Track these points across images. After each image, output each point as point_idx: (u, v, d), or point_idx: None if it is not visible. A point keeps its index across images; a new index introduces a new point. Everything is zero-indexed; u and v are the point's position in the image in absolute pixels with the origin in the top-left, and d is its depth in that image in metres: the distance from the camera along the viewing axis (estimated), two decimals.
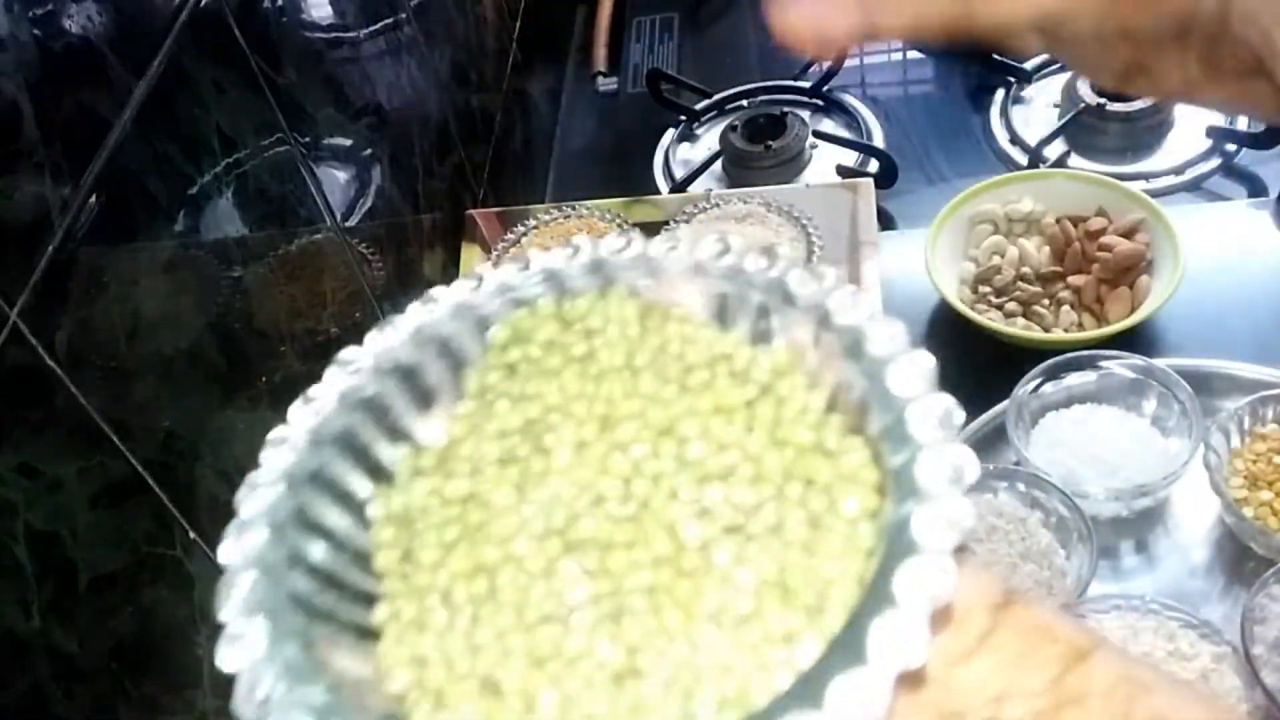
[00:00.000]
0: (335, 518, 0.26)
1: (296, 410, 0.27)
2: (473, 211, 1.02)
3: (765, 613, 0.23)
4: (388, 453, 0.28)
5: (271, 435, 0.27)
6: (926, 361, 0.24)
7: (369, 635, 0.25)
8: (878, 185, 1.00)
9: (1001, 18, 0.42)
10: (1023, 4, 0.42)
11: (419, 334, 0.29)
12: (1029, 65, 1.15)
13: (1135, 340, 0.83)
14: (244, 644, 0.22)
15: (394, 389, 0.28)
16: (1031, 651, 0.25)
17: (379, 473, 0.28)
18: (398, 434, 0.28)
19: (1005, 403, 0.78)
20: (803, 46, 0.43)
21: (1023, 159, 1.06)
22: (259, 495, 0.25)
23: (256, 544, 0.24)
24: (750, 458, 0.25)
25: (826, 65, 1.20)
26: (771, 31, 0.43)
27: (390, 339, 0.29)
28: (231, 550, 0.24)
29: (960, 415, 0.23)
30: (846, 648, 0.20)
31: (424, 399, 0.29)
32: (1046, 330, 0.86)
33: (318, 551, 0.25)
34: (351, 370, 0.28)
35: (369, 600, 0.26)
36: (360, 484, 0.27)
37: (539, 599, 0.24)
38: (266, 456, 0.26)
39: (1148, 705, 0.26)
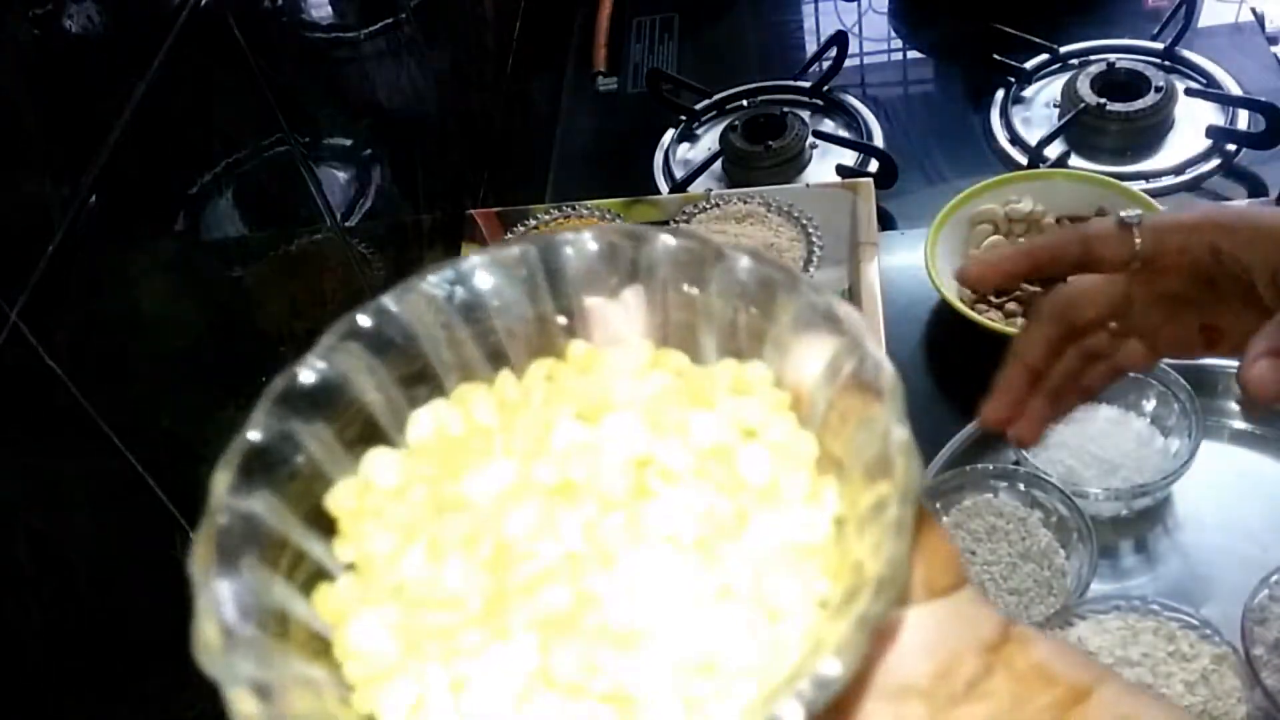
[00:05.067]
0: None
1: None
2: (473, 211, 1.02)
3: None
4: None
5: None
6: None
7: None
8: (878, 185, 1.00)
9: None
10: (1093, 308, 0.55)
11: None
12: (1029, 65, 1.15)
13: None
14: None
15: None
16: (1026, 697, 0.24)
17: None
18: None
19: None
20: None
21: (1023, 159, 1.06)
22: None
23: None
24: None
25: (827, 65, 1.21)
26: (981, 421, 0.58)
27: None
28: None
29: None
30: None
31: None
32: None
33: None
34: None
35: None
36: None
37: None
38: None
39: None
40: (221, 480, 0.25)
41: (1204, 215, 0.52)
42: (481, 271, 0.28)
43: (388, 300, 0.28)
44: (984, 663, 0.24)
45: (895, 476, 0.22)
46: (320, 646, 0.25)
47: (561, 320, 0.29)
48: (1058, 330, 0.56)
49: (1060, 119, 1.08)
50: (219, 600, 0.23)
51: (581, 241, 0.28)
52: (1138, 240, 0.52)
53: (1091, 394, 0.59)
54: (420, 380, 0.28)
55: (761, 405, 0.26)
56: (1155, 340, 0.56)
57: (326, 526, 0.26)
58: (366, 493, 0.27)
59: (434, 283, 0.28)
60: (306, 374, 0.27)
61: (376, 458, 0.27)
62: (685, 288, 0.28)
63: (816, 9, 1.37)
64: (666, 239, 0.28)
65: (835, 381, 0.25)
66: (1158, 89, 1.05)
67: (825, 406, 0.25)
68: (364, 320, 0.28)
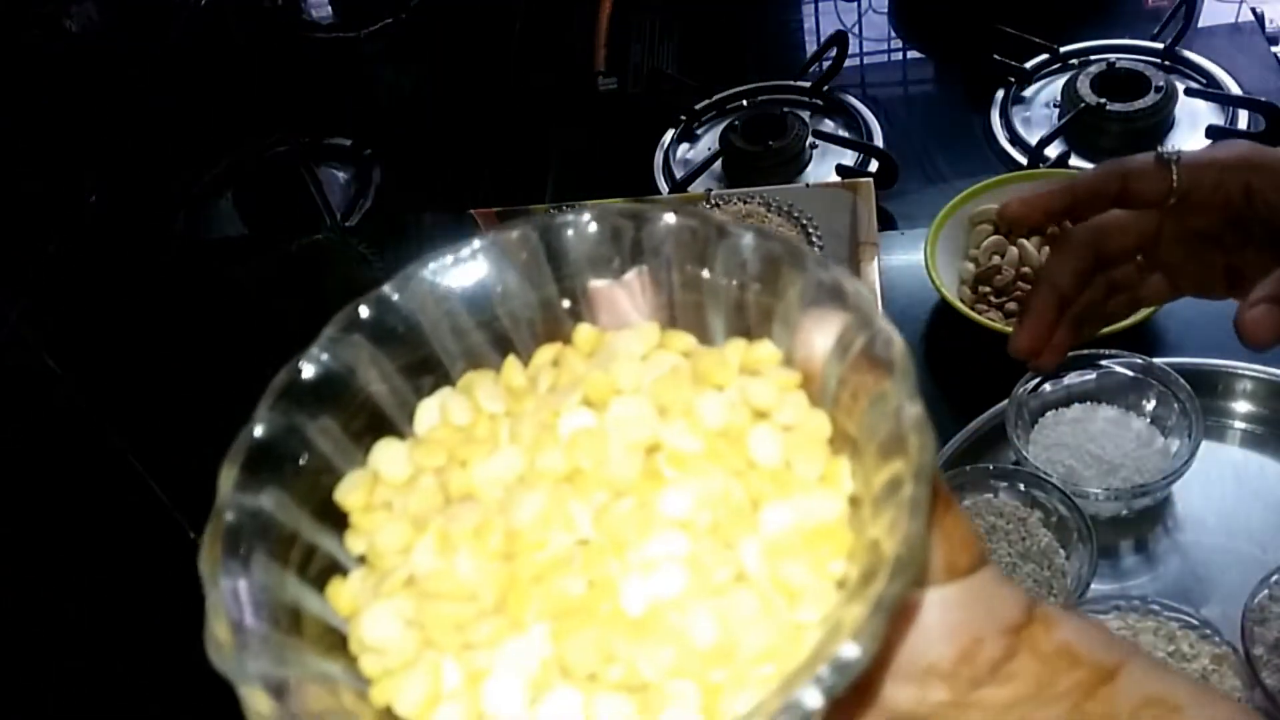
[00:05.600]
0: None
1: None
2: (473, 211, 1.02)
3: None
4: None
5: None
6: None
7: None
8: (878, 185, 1.00)
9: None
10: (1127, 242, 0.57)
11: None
12: (1029, 65, 1.15)
13: (1135, 340, 0.83)
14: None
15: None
16: (1050, 679, 0.24)
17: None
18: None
19: (1005, 402, 0.77)
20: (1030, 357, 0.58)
21: (1023, 159, 1.06)
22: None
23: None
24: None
25: (827, 65, 1.21)
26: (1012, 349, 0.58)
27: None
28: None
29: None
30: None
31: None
32: None
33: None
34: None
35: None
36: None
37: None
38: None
39: None
40: (227, 477, 0.24)
41: (1242, 155, 0.53)
42: (482, 257, 0.28)
43: (388, 290, 0.28)
44: (1007, 644, 0.24)
45: (909, 454, 0.22)
46: (335, 641, 0.25)
47: (566, 304, 0.28)
48: (1088, 259, 0.57)
49: (1060, 119, 1.08)
50: (229, 598, 0.23)
51: (582, 223, 0.28)
52: (1175, 177, 0.53)
53: (1110, 322, 0.60)
54: (426, 369, 0.28)
55: (771, 385, 0.25)
56: (1178, 276, 0.57)
57: (338, 519, 0.26)
58: (376, 485, 0.26)
59: (434, 270, 0.28)
60: (309, 367, 0.27)
61: (385, 449, 0.27)
62: (689, 267, 0.27)
63: (816, 9, 1.37)
64: (668, 218, 0.27)
65: (845, 358, 0.25)
66: (1158, 89, 1.05)
67: (836, 384, 0.25)
68: (365, 311, 0.27)
